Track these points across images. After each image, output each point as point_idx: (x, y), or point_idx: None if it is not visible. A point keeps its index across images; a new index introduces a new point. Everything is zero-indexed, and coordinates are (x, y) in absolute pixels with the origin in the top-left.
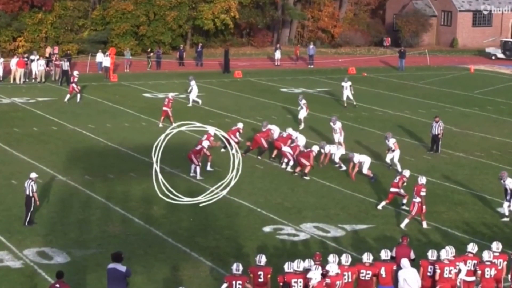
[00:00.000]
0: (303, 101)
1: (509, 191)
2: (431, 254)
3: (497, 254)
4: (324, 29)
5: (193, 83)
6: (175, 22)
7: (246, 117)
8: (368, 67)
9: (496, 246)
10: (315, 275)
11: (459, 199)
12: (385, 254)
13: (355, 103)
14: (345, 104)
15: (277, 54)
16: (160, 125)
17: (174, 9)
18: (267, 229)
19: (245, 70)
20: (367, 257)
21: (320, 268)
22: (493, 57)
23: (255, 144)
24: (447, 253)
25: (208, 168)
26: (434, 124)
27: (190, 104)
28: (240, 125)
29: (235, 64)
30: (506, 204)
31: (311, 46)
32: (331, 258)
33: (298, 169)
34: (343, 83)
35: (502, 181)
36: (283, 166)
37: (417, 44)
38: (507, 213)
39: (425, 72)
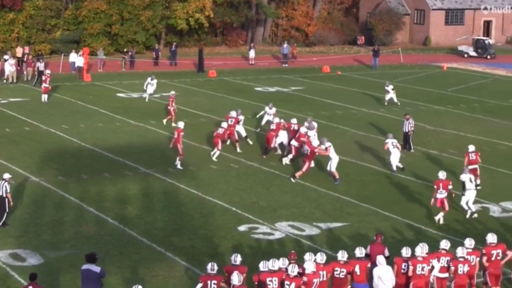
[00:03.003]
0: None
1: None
2: (405, 252)
3: (470, 250)
4: (298, 28)
5: (154, 81)
6: (148, 22)
7: (221, 116)
8: (342, 66)
9: (469, 242)
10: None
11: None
12: (359, 252)
13: (398, 103)
14: (386, 103)
15: (251, 53)
16: (164, 122)
17: (147, 8)
18: (242, 228)
19: (220, 69)
20: (341, 255)
21: (296, 266)
22: (465, 55)
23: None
24: (421, 250)
25: (178, 166)
26: (405, 122)
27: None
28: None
29: (209, 64)
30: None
31: (285, 45)
32: (307, 256)
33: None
34: (385, 87)
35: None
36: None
37: (391, 42)
38: (465, 208)
39: (398, 70)
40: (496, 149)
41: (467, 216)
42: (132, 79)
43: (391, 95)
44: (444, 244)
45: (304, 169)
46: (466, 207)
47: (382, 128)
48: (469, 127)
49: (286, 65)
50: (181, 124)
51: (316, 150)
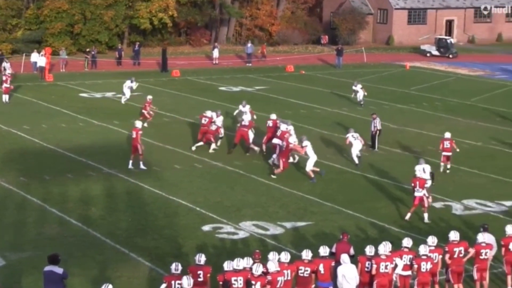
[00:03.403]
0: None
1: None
2: (369, 250)
3: (432, 248)
4: (262, 27)
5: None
6: (111, 21)
7: (184, 116)
8: (306, 65)
9: (432, 240)
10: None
11: (396, 195)
12: (323, 251)
13: (361, 104)
14: (361, 104)
15: (215, 53)
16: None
17: (110, 8)
18: (206, 228)
19: (183, 69)
20: (305, 254)
21: (261, 265)
22: (428, 54)
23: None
24: (384, 248)
25: (141, 166)
26: (372, 121)
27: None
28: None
29: (173, 63)
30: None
31: (249, 45)
32: (271, 255)
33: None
34: (353, 87)
35: None
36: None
37: (354, 41)
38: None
39: (362, 69)
40: (459, 147)
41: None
42: (95, 79)
43: (361, 93)
44: (406, 242)
45: (282, 166)
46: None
47: (346, 127)
48: (432, 126)
49: (250, 64)
50: (138, 124)
51: (291, 145)
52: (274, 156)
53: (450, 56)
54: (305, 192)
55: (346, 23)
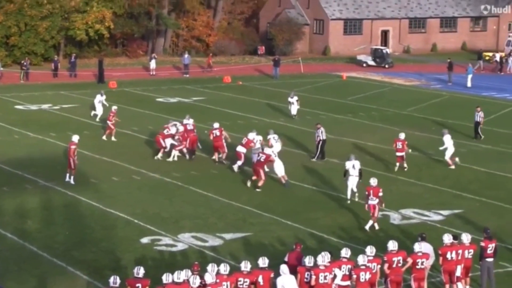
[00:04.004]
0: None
1: None
2: (308, 261)
3: (371, 258)
4: (199, 38)
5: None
6: (47, 33)
7: (122, 127)
8: (243, 76)
9: (370, 250)
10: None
11: (334, 205)
12: (262, 262)
13: (294, 117)
14: (294, 117)
15: (152, 64)
16: (104, 137)
17: (45, 19)
18: (144, 240)
19: (120, 80)
20: (244, 266)
21: (198, 278)
22: (364, 64)
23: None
24: (322, 259)
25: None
26: (316, 131)
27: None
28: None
29: (109, 75)
30: None
31: (186, 56)
32: (210, 267)
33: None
34: (289, 99)
35: None
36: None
37: (291, 52)
38: (349, 194)
39: (299, 80)
40: (395, 157)
41: (348, 201)
42: (30, 91)
43: (296, 106)
44: (345, 252)
45: (263, 177)
46: (350, 194)
47: (284, 137)
48: (369, 136)
49: (187, 75)
50: (75, 138)
51: (270, 158)
52: (239, 163)
53: (386, 66)
54: (244, 203)
55: (282, 33)
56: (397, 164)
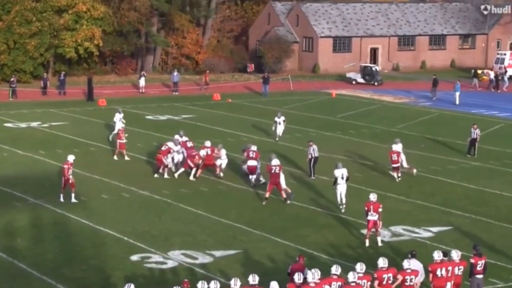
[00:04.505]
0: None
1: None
2: (298, 278)
3: (361, 274)
4: (188, 56)
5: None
6: (36, 51)
7: (111, 145)
8: (233, 93)
9: (360, 267)
10: None
11: (324, 222)
12: (252, 279)
13: (277, 138)
14: (277, 139)
15: (142, 82)
16: (115, 158)
17: (34, 37)
18: (134, 257)
19: (110, 98)
20: (234, 283)
21: None
22: (353, 82)
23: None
24: (312, 276)
25: (73, 199)
26: (308, 148)
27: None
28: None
29: (99, 92)
30: None
31: (175, 73)
32: (200, 285)
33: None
34: (276, 119)
35: None
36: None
37: (280, 69)
38: (339, 202)
39: (288, 97)
40: (386, 173)
41: (340, 207)
42: (19, 109)
43: (282, 128)
44: (335, 269)
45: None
46: (339, 200)
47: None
48: (359, 153)
49: (177, 93)
50: (70, 158)
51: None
52: (254, 177)
53: (375, 83)
54: (234, 220)
55: (272, 51)
56: (394, 175)
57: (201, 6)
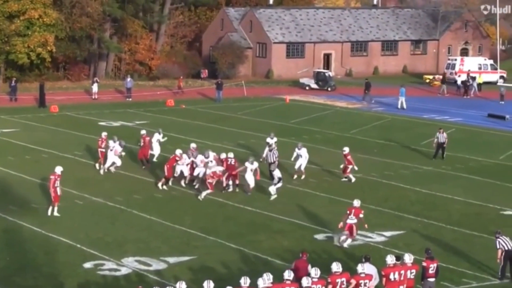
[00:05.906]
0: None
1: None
2: (243, 281)
3: (315, 279)
4: (141, 62)
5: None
6: None
7: (64, 152)
8: (186, 99)
9: (315, 272)
10: None
11: (278, 228)
12: (207, 285)
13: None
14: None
15: (95, 88)
16: (101, 170)
17: None
18: (87, 265)
19: (62, 104)
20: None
21: None
22: (307, 88)
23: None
24: (264, 281)
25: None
26: (269, 153)
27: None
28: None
29: (51, 99)
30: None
31: (129, 79)
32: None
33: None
34: (268, 140)
35: None
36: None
37: (234, 75)
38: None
39: (242, 103)
40: (338, 179)
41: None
42: None
43: (275, 154)
44: (287, 274)
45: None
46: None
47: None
48: (312, 158)
49: (130, 99)
50: (57, 169)
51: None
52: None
53: (329, 89)
54: (188, 226)
55: (225, 57)
56: (344, 176)
57: (154, 11)
